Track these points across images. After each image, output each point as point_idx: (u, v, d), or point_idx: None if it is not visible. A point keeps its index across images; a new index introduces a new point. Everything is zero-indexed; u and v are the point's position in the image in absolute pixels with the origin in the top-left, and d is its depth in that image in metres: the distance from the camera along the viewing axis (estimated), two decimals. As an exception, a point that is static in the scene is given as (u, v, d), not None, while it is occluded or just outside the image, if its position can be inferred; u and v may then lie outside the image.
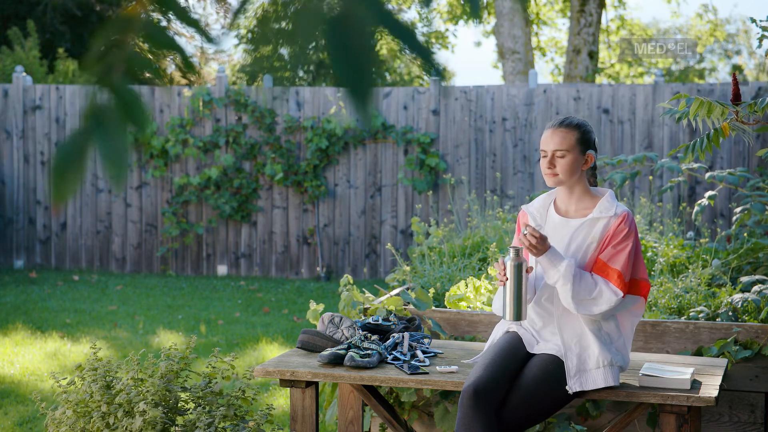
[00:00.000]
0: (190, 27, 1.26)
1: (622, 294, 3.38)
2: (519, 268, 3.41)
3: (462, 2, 16.76)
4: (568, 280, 3.34)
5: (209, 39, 1.29)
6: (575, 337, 3.42)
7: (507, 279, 3.41)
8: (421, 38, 1.18)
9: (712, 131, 3.93)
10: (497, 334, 3.65)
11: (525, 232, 3.36)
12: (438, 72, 1.22)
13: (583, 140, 3.52)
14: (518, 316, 3.43)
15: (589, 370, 3.39)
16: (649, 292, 4.72)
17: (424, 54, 1.20)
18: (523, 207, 3.66)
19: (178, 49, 1.24)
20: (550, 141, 3.50)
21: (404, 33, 1.18)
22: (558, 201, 3.59)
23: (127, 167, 1.19)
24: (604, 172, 9.65)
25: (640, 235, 5.84)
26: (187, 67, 1.27)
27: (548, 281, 3.41)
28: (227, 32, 1.34)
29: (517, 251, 3.42)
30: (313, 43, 1.19)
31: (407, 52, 1.18)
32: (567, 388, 3.39)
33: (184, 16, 1.24)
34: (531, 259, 3.52)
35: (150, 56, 1.21)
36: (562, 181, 3.50)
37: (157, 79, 1.23)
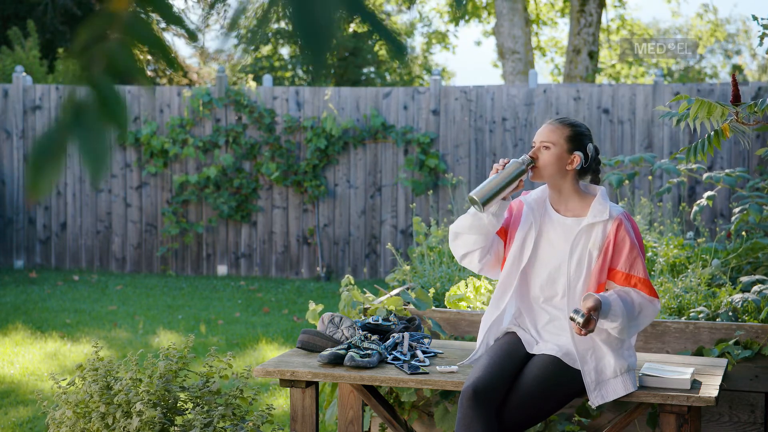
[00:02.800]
0: (174, 24, 1.25)
1: (657, 300, 3.40)
2: (517, 172, 3.43)
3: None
4: (624, 325, 3.33)
5: (191, 35, 1.29)
6: (589, 350, 3.40)
7: (502, 169, 3.45)
8: (383, 20, 1.19)
9: (712, 133, 3.92)
10: (484, 327, 3.61)
11: (579, 321, 3.25)
12: (403, 53, 1.22)
13: (573, 139, 3.49)
14: (484, 201, 3.41)
15: (608, 380, 3.38)
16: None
17: (389, 36, 1.21)
18: (520, 197, 3.63)
19: (161, 47, 1.23)
20: (540, 133, 3.52)
21: (369, 15, 1.19)
22: (550, 199, 3.58)
23: (107, 164, 1.18)
24: (602, 173, 9.65)
25: (640, 234, 5.85)
26: (170, 64, 1.26)
27: (600, 326, 3.38)
28: (207, 30, 1.34)
29: (530, 160, 3.45)
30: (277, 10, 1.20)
31: (375, 34, 1.19)
32: (590, 403, 3.39)
33: (169, 13, 1.24)
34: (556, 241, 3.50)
35: (132, 53, 1.21)
36: (542, 175, 3.49)
37: (139, 77, 1.22)
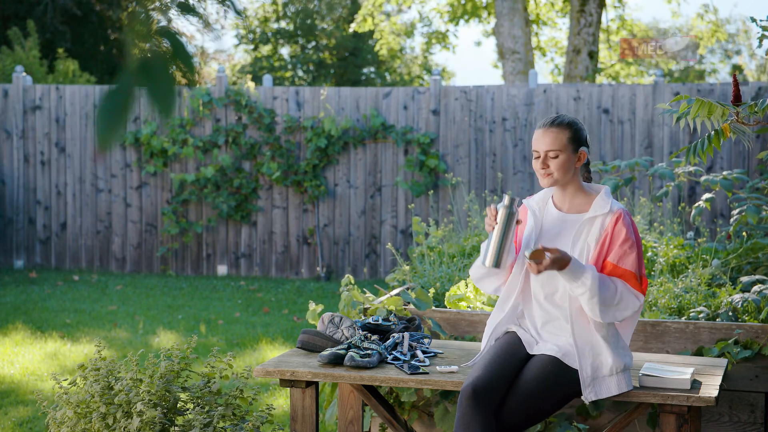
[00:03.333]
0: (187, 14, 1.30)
1: (642, 296, 3.40)
2: (509, 217, 3.43)
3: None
4: (594, 294, 3.32)
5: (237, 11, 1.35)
6: (587, 344, 3.41)
7: (496, 224, 3.44)
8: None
9: (712, 133, 3.92)
10: (490, 328, 3.63)
11: (526, 254, 3.33)
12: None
13: (575, 138, 3.52)
14: (496, 263, 3.45)
15: (603, 377, 3.38)
16: (648, 291, 4.73)
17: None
18: (524, 201, 3.66)
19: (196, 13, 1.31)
20: (541, 141, 3.51)
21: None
22: (554, 198, 3.60)
23: (175, 103, 1.26)
24: (598, 178, 9.64)
25: (639, 235, 5.85)
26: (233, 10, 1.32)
27: (572, 293, 3.39)
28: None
29: (512, 199, 3.44)
30: None
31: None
32: (583, 398, 3.39)
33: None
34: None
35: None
36: (557, 181, 3.50)
37: (200, 19, 1.28)
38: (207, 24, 1.35)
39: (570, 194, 3.55)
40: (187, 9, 1.28)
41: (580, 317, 3.43)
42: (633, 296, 3.38)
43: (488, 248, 3.46)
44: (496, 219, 3.44)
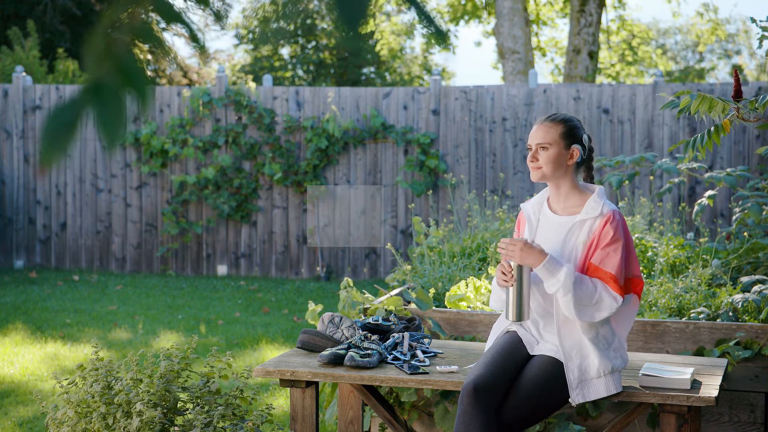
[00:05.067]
0: (198, 4, 1.28)
1: (621, 299, 3.36)
2: (520, 270, 3.43)
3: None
4: (568, 290, 3.31)
5: (217, 16, 1.32)
6: (575, 347, 3.40)
7: (512, 280, 3.43)
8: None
9: (712, 128, 3.93)
10: (496, 332, 3.65)
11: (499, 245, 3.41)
12: (441, 36, 1.28)
13: (568, 134, 3.51)
14: (520, 316, 3.46)
15: (591, 380, 3.37)
16: (644, 290, 4.72)
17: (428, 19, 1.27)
18: (521, 206, 3.67)
19: (184, 23, 1.26)
20: (534, 135, 3.52)
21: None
22: (550, 199, 3.60)
23: (123, 133, 1.22)
24: (602, 174, 9.64)
25: (639, 235, 5.85)
26: (194, 40, 1.29)
27: (548, 291, 3.39)
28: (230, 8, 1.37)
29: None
30: None
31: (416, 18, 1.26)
32: (570, 400, 3.38)
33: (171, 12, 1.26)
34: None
35: (156, 30, 1.24)
36: (545, 175, 3.50)
37: (161, 51, 1.25)
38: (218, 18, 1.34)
39: (564, 194, 3.54)
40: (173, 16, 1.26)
41: (567, 320, 3.42)
42: (611, 298, 3.35)
43: (508, 304, 3.46)
44: (511, 274, 3.44)
